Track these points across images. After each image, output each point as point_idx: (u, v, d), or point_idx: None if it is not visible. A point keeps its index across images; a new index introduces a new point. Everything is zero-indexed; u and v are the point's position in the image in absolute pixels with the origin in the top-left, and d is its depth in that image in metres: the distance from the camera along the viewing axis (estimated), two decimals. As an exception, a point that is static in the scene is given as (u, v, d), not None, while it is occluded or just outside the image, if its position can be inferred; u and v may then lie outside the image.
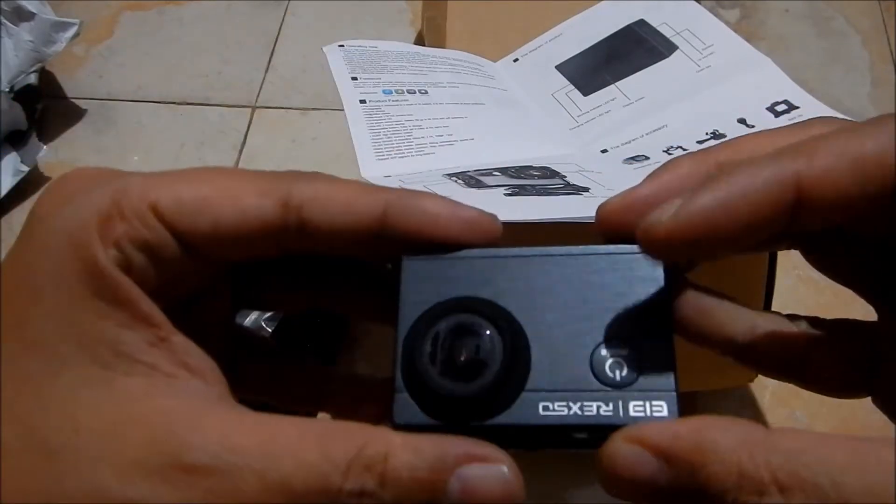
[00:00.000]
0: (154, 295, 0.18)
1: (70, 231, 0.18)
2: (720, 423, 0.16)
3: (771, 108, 0.46)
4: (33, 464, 0.17)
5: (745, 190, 0.16)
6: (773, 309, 0.21)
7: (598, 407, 0.17)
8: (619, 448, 0.16)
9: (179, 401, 0.18)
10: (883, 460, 0.15)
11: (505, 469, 0.17)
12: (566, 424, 0.17)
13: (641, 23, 0.53)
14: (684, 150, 0.45)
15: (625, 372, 0.17)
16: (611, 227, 0.19)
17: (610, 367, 0.17)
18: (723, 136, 0.45)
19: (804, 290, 0.60)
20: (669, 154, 0.45)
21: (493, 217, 0.20)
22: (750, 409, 0.55)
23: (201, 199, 0.19)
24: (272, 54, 0.80)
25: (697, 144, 0.45)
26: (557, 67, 0.53)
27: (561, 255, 0.18)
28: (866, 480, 0.15)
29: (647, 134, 0.47)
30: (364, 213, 0.19)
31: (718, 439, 0.16)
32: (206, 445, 0.16)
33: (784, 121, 0.45)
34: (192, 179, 0.19)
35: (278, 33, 0.81)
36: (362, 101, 0.46)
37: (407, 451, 0.17)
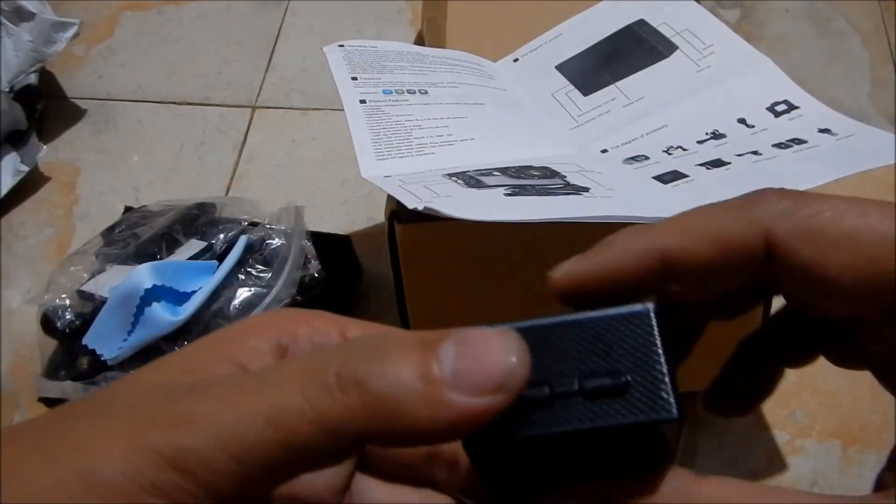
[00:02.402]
0: None
1: None
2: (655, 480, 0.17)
3: (771, 108, 0.46)
4: None
5: (609, 260, 0.19)
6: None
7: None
8: None
9: None
10: None
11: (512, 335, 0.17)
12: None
13: (641, 23, 0.53)
14: (684, 150, 0.45)
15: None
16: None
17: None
18: (723, 136, 0.45)
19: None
20: (669, 154, 0.45)
21: None
22: (750, 409, 0.55)
23: None
24: (272, 54, 0.80)
25: (697, 144, 0.45)
26: (557, 67, 0.53)
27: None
28: None
29: (647, 134, 0.47)
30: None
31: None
32: None
33: (784, 121, 0.45)
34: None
35: (278, 33, 0.81)
36: (362, 101, 0.46)
37: None
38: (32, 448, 0.17)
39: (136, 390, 0.18)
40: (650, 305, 0.18)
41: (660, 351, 0.17)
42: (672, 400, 0.17)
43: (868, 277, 0.17)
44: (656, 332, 0.17)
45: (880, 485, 0.17)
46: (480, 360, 0.16)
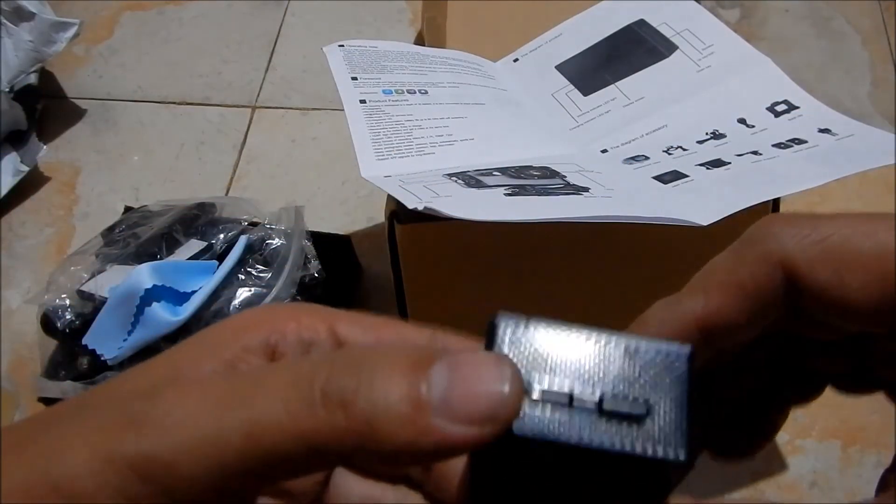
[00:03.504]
0: None
1: None
2: None
3: (771, 108, 0.46)
4: None
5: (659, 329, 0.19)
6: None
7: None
8: None
9: None
10: None
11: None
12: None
13: (641, 23, 0.53)
14: (684, 150, 0.45)
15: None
16: None
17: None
18: (723, 136, 0.45)
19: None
20: (669, 154, 0.45)
21: None
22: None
23: None
24: (272, 54, 0.80)
25: (697, 144, 0.45)
26: (557, 67, 0.53)
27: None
28: None
29: (647, 134, 0.47)
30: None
31: None
32: None
33: (784, 121, 0.45)
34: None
35: (278, 33, 0.81)
36: (362, 101, 0.46)
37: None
38: (9, 450, 0.17)
39: (115, 392, 0.18)
40: (690, 347, 0.18)
41: (687, 392, 0.17)
42: (684, 443, 0.16)
43: (882, 295, 0.17)
44: (689, 374, 0.17)
45: (884, 484, 0.17)
46: (471, 388, 0.15)
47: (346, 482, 0.22)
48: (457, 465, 0.21)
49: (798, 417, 0.55)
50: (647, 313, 0.20)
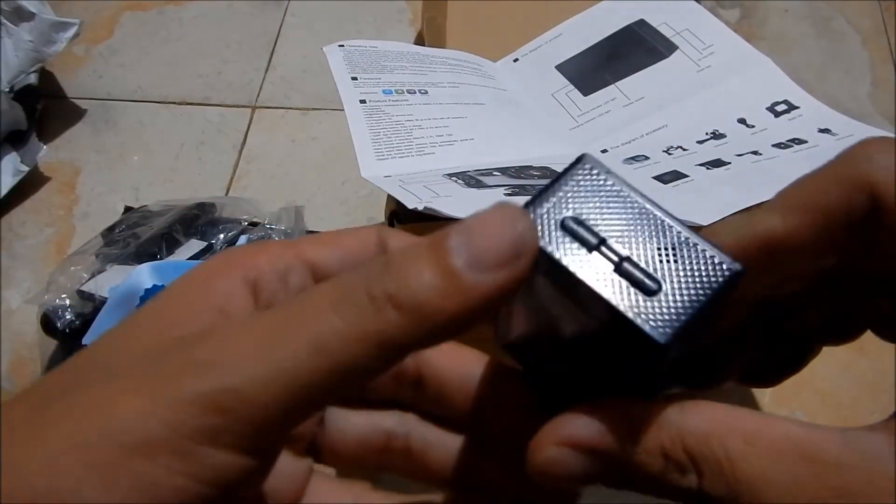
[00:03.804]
0: None
1: None
2: (640, 409, 0.18)
3: (771, 108, 0.46)
4: None
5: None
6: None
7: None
8: (549, 452, 0.18)
9: None
10: (775, 448, 0.16)
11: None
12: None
13: (641, 23, 0.53)
14: (684, 150, 0.45)
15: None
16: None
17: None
18: (723, 136, 0.45)
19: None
20: (669, 154, 0.45)
21: None
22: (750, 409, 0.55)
23: None
24: (272, 54, 0.80)
25: (697, 144, 0.45)
26: (557, 67, 0.53)
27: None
28: (757, 467, 0.16)
29: (647, 134, 0.47)
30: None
31: (641, 430, 0.17)
32: None
33: (784, 121, 0.45)
34: None
35: (278, 33, 0.81)
36: (362, 101, 0.46)
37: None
38: (29, 420, 0.16)
39: (135, 349, 0.17)
40: (740, 266, 0.17)
41: (707, 300, 0.17)
42: (671, 333, 0.16)
43: None
44: (722, 288, 0.17)
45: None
46: (487, 239, 0.16)
47: (341, 418, 0.23)
48: (446, 376, 0.22)
49: (798, 417, 0.55)
50: (721, 221, 0.19)
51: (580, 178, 0.18)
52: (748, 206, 0.37)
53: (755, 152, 0.43)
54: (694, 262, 0.17)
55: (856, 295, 0.20)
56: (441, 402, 0.22)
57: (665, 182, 0.42)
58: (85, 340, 0.52)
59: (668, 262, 0.17)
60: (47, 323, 0.54)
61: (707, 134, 0.46)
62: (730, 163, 0.42)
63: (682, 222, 0.18)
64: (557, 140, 0.49)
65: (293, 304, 0.17)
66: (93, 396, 0.16)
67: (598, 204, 0.18)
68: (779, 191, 0.18)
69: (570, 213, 0.18)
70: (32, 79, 0.72)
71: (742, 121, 0.46)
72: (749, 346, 0.22)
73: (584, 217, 0.18)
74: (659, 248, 0.17)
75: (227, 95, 0.76)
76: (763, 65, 0.48)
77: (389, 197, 0.43)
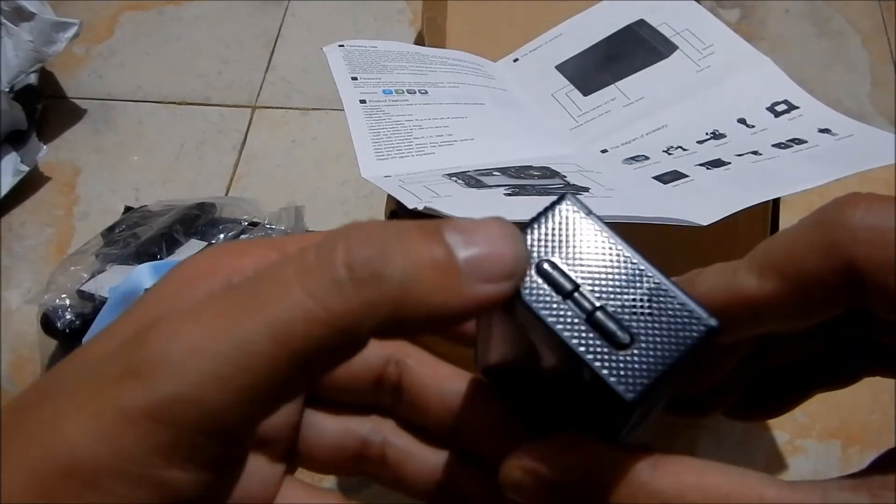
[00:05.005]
0: None
1: None
2: (611, 456, 0.17)
3: (771, 108, 0.46)
4: None
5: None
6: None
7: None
8: (517, 476, 0.18)
9: None
10: None
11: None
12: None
13: (641, 23, 0.53)
14: (684, 150, 0.45)
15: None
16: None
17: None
18: (723, 136, 0.45)
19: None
20: (669, 154, 0.45)
21: None
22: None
23: None
24: (272, 54, 0.80)
25: (697, 144, 0.45)
26: (557, 67, 0.53)
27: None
28: None
29: (647, 134, 0.47)
30: None
31: (610, 481, 0.17)
32: None
33: (784, 121, 0.45)
34: None
35: (278, 33, 0.81)
36: (362, 101, 0.46)
37: None
38: (10, 430, 0.15)
39: (92, 356, 0.16)
40: (717, 322, 0.17)
41: (681, 356, 0.16)
42: (640, 390, 0.16)
43: None
44: (697, 344, 0.17)
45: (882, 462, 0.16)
46: (492, 249, 0.16)
47: (318, 422, 0.22)
48: (427, 387, 0.22)
49: (798, 417, 0.55)
50: (700, 272, 0.18)
51: (560, 218, 0.18)
52: (748, 206, 0.37)
53: (755, 152, 0.43)
54: (668, 314, 0.17)
55: (848, 339, 0.20)
56: (420, 411, 0.22)
57: (665, 182, 0.42)
58: (84, 340, 0.52)
59: (641, 313, 0.17)
60: (47, 323, 0.54)
61: (707, 134, 0.46)
62: (730, 163, 0.42)
63: (660, 269, 0.17)
64: (557, 140, 0.49)
65: (252, 281, 0.15)
66: (42, 416, 0.14)
67: (575, 247, 0.18)
68: (758, 245, 0.18)
69: (546, 256, 0.17)
70: (32, 79, 0.72)
71: (742, 121, 0.46)
72: (739, 383, 0.21)
73: (559, 261, 0.17)
74: (634, 299, 0.17)
75: (227, 95, 0.76)
76: (763, 65, 0.48)
77: (389, 197, 0.43)
